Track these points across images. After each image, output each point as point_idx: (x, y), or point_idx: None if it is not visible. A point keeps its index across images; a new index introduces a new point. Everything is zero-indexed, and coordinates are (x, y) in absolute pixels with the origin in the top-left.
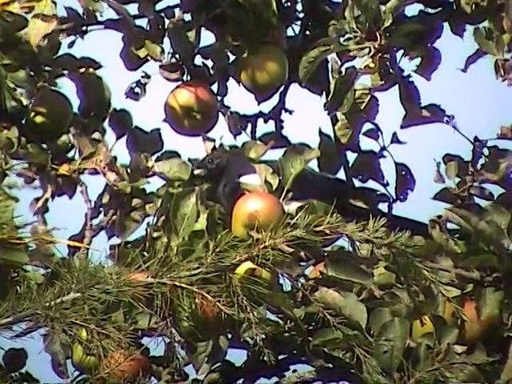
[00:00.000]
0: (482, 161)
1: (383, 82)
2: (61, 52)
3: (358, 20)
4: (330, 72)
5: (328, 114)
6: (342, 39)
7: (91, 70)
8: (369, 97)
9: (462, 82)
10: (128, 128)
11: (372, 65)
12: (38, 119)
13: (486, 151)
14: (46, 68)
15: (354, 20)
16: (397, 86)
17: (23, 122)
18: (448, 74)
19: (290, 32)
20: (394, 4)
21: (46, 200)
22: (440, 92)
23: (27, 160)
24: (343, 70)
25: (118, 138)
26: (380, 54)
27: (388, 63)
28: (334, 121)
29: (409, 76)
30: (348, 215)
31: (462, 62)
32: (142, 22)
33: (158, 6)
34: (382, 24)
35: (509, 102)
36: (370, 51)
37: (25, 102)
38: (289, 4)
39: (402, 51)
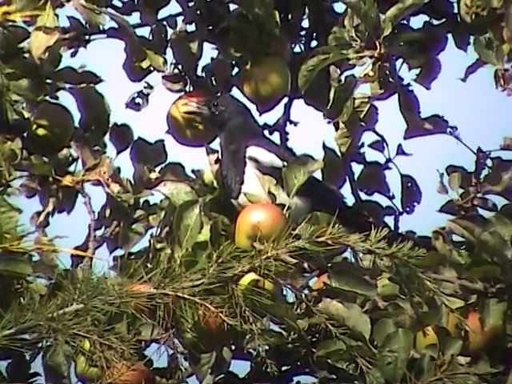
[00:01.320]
0: (485, 172)
1: (383, 91)
2: (63, 63)
3: (358, 29)
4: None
5: (328, 123)
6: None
7: (92, 84)
8: (368, 105)
9: (465, 92)
10: (129, 142)
11: (371, 73)
12: (40, 132)
13: (489, 162)
14: (48, 81)
15: (354, 29)
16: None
17: (25, 134)
18: (451, 84)
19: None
20: (394, 13)
21: (48, 214)
22: (443, 103)
23: (30, 171)
24: (343, 78)
25: (118, 153)
26: (379, 63)
27: (387, 72)
28: None
29: (408, 85)
30: (350, 227)
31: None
32: (145, 32)
33: (161, 15)
34: (382, 33)
35: None
36: (369, 60)
37: (26, 114)
38: (293, 16)
39: (401, 60)
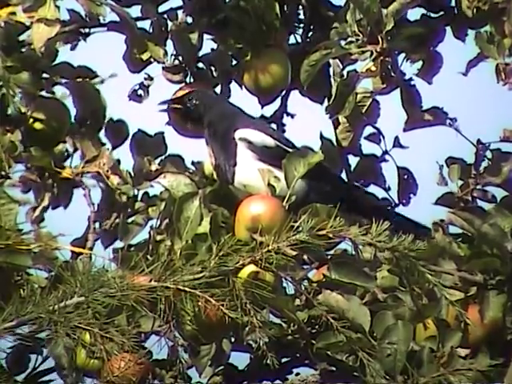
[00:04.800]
0: (484, 164)
1: (385, 86)
2: (62, 57)
3: (360, 23)
4: (331, 76)
5: (330, 118)
6: (343, 42)
7: (88, 79)
8: (370, 100)
9: (464, 84)
10: (124, 138)
11: (373, 68)
12: (37, 126)
13: (488, 154)
14: (44, 75)
15: (356, 23)
16: (398, 90)
17: (22, 128)
18: (451, 77)
19: (291, 39)
20: (396, 7)
21: (43, 209)
22: (443, 95)
23: (30, 163)
24: (345, 73)
25: (113, 148)
26: (381, 58)
27: (389, 66)
28: (336, 124)
29: (410, 79)
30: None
31: (465, 66)
32: (145, 24)
33: (161, 8)
34: (384, 27)
35: (511, 105)
36: (371, 54)
37: (23, 109)
38: (291, 8)
39: (403, 55)
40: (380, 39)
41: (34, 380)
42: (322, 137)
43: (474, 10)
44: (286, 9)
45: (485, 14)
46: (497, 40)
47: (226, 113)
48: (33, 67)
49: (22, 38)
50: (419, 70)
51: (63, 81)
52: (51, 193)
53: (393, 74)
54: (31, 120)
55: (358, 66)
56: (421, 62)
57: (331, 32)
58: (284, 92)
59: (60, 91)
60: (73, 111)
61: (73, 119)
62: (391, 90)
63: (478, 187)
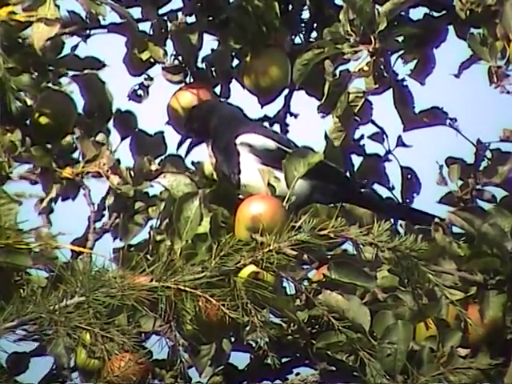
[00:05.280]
0: (484, 163)
1: (377, 86)
2: (65, 51)
3: (353, 23)
4: None
5: (322, 117)
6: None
7: (94, 71)
8: (363, 100)
9: (464, 85)
10: (132, 129)
11: (366, 68)
12: (43, 120)
13: (488, 154)
14: (50, 68)
15: (349, 23)
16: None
17: (27, 122)
18: (451, 76)
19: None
20: (389, 7)
21: (51, 200)
22: (442, 95)
23: (31, 163)
24: (337, 72)
25: (122, 139)
26: (374, 58)
27: (382, 67)
28: None
29: (403, 80)
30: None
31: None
32: (145, 26)
33: (161, 11)
34: (377, 27)
35: (511, 105)
36: (364, 54)
37: (29, 102)
38: (293, 8)
39: (396, 55)
40: (373, 39)
41: (54, 379)
42: (326, 137)
43: (467, 12)
44: (289, 9)
45: (478, 16)
46: (489, 42)
47: (228, 119)
48: (36, 63)
49: (23, 37)
50: (412, 71)
51: (70, 73)
52: (60, 184)
53: (385, 74)
54: (37, 114)
55: (351, 66)
56: (414, 63)
57: (324, 31)
58: (287, 92)
59: (65, 83)
60: (80, 103)
61: (81, 111)
62: (384, 90)
63: (478, 187)
